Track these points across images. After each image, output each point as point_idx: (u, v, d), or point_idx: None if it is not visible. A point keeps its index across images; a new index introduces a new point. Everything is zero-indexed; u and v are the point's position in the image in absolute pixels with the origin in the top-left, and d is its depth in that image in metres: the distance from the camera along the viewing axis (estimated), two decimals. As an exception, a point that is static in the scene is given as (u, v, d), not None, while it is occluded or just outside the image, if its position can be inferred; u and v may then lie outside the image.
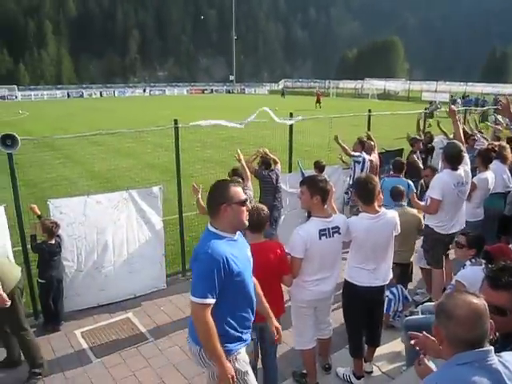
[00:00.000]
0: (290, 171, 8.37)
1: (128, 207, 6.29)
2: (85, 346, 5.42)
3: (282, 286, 4.05)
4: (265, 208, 3.93)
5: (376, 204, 4.11)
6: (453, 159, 5.36)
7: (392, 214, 4.24)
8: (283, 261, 3.87)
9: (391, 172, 7.35)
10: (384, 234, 4.15)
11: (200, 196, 5.35)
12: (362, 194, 4.11)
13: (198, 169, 11.18)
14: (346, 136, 8.78)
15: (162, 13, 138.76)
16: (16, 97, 69.17)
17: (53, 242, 5.62)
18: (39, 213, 5.67)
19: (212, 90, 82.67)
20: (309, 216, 7.20)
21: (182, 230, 7.22)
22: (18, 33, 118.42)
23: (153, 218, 6.52)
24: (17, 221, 5.64)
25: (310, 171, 7.74)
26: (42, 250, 5.56)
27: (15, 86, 74.78)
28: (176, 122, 6.71)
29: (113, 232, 6.22)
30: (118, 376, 4.85)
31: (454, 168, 5.34)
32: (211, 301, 2.79)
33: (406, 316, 5.13)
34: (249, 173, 6.42)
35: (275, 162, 7.38)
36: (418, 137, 9.70)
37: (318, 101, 43.21)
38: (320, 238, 3.88)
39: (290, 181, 7.90)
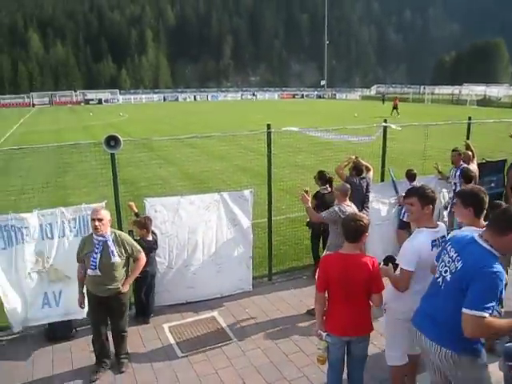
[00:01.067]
0: (381, 180, 8.08)
1: (219, 209, 6.44)
2: (171, 340, 5.63)
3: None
4: (365, 217, 3.83)
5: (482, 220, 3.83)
6: None
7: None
8: (375, 278, 3.73)
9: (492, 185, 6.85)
10: None
11: (310, 204, 5.46)
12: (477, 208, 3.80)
13: (288, 173, 11.19)
14: (442, 144, 8.32)
15: (255, 18, 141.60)
16: (118, 100, 74.32)
17: (150, 238, 5.89)
18: (136, 210, 5.98)
19: (303, 95, 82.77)
20: (402, 226, 6.98)
21: (271, 233, 7.23)
22: (122, 41, 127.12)
23: (242, 221, 6.61)
24: (116, 217, 5.98)
25: (402, 180, 7.45)
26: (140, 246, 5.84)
27: (117, 90, 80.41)
28: (269, 126, 6.75)
29: (203, 232, 6.40)
30: (201, 372, 4.96)
31: None
32: (487, 316, 2.89)
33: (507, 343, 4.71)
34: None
35: (367, 170, 7.16)
36: None
37: (395, 107, 40.30)
38: (432, 249, 3.73)
39: (379, 190, 7.64)
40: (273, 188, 7.12)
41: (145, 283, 5.95)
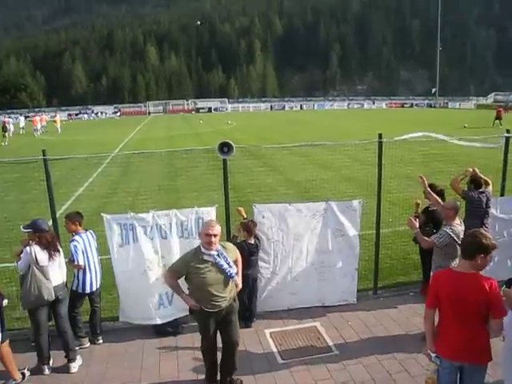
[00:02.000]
0: (501, 194, 7.47)
1: (326, 218, 6.39)
2: (273, 346, 5.66)
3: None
4: (487, 236, 3.54)
5: None
6: None
7: None
8: (493, 301, 3.40)
9: None
10: None
11: (418, 229, 5.25)
12: None
13: (396, 185, 10.79)
14: None
15: (363, 25, 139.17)
16: (226, 108, 77.28)
17: (252, 241, 6.00)
18: (245, 215, 6.14)
19: (412, 104, 79.65)
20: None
21: (378, 246, 7.03)
22: (231, 52, 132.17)
23: (349, 231, 6.49)
24: (225, 220, 6.18)
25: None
26: (241, 248, 5.93)
27: (226, 99, 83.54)
28: (380, 136, 6.58)
29: (308, 240, 6.40)
30: (300, 382, 4.94)
31: None
32: None
33: None
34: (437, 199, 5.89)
35: (486, 184, 6.65)
36: None
37: (499, 117, 35.62)
38: None
39: (501, 205, 7.06)
40: (382, 199, 6.92)
41: (246, 286, 6.00)
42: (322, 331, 5.98)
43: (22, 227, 5.12)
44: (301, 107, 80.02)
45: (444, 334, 3.64)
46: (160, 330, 5.95)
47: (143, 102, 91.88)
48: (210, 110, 77.89)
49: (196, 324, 4.96)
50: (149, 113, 79.75)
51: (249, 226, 5.94)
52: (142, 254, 5.78)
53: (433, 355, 3.68)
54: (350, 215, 6.46)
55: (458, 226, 5.20)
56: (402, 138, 6.53)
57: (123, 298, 5.94)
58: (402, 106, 78.10)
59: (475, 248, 3.46)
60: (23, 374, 5.12)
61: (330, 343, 5.69)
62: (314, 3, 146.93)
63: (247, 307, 6.17)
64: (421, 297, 5.44)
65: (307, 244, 6.41)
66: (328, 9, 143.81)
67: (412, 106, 77.95)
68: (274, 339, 5.82)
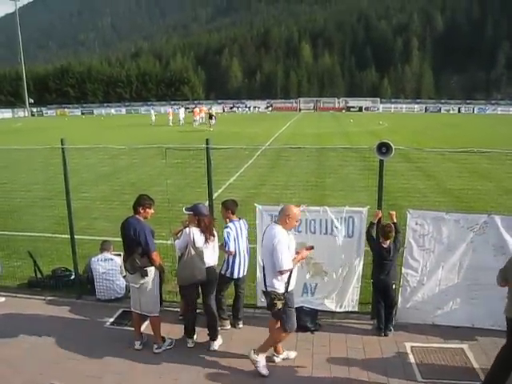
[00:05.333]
0: None
1: (487, 232, 5.84)
2: (412, 360, 5.35)
3: None
4: None
5: None
6: None
7: None
8: None
9: None
10: None
11: None
12: None
13: None
14: None
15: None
16: (378, 108, 75.44)
17: (385, 245, 5.79)
18: (395, 220, 5.89)
19: None
20: None
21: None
22: (386, 50, 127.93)
23: (513, 250, 5.84)
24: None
25: None
26: (373, 250, 5.88)
27: (378, 99, 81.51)
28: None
29: (463, 253, 5.93)
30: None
31: None
32: None
33: None
34: None
35: None
36: None
37: None
38: None
39: None
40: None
41: (379, 290, 6.00)
42: (470, 355, 5.46)
43: (184, 209, 5.55)
44: (459, 110, 74.56)
45: None
46: (298, 325, 6.01)
47: (294, 98, 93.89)
48: (360, 109, 76.62)
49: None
50: (299, 109, 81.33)
51: (385, 230, 5.75)
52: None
53: None
54: (517, 232, 5.80)
55: None
56: None
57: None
58: None
59: None
60: (170, 340, 5.66)
61: (478, 370, 5.17)
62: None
63: (384, 314, 5.97)
64: None
65: (461, 257, 5.94)
66: (499, 2, 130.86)
67: None
68: (414, 354, 5.48)
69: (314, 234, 6.08)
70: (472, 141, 25.69)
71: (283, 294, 4.89)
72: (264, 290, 5.02)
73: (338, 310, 6.32)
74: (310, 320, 6.05)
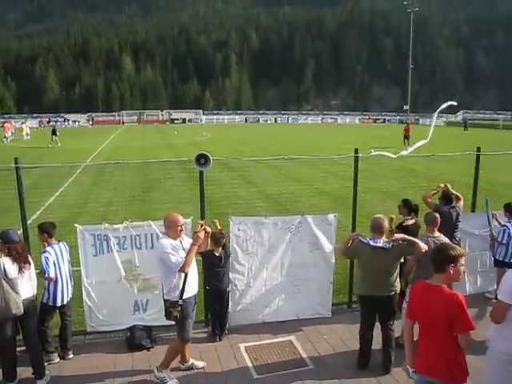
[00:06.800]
0: (472, 211, 7.63)
1: (302, 231, 6.40)
2: (247, 360, 5.59)
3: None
4: (457, 248, 3.60)
5: None
6: None
7: None
8: (457, 315, 3.37)
9: None
10: None
11: None
12: None
13: (369, 199, 10.96)
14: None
15: (337, 42, 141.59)
16: (201, 120, 77.21)
17: (217, 254, 5.91)
18: (220, 227, 6.07)
19: (384, 119, 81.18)
20: (497, 264, 6.47)
21: (352, 260, 7.04)
22: (207, 64, 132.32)
23: (325, 245, 6.51)
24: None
25: (498, 212, 6.95)
26: (205, 258, 5.92)
27: (201, 111, 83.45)
28: (356, 151, 6.66)
29: (283, 253, 6.40)
30: (275, 397, 4.86)
31: None
32: None
33: None
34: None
35: (458, 199, 6.79)
36: None
37: (407, 137, 32.55)
38: None
39: (471, 220, 7.21)
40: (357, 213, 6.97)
41: (214, 297, 6.07)
42: (298, 345, 5.93)
43: None
44: (275, 120, 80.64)
45: (419, 348, 3.63)
46: (133, 345, 5.82)
47: (117, 111, 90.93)
48: (184, 121, 77.64)
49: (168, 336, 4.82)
50: (122, 122, 78.93)
51: (216, 237, 5.83)
52: (116, 264, 5.87)
53: (410, 370, 3.66)
54: (326, 229, 6.49)
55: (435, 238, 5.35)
56: (376, 153, 6.64)
57: (97, 307, 5.94)
58: (375, 122, 79.47)
59: (444, 260, 3.49)
60: None
61: (306, 357, 5.65)
62: (290, 19, 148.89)
63: (219, 320, 6.11)
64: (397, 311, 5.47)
65: (282, 257, 6.40)
66: (304, 25, 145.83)
67: (384, 121, 79.48)
68: (249, 353, 5.74)
69: (140, 250, 5.97)
70: (288, 148, 27.99)
71: (177, 301, 4.82)
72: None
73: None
74: (145, 337, 5.89)
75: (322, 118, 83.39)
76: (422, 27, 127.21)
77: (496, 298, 3.65)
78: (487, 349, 3.79)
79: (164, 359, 5.14)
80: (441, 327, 3.44)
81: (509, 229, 6.49)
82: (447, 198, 6.73)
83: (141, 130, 57.48)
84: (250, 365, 5.49)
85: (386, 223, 5.23)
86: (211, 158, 5.91)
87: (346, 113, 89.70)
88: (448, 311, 3.38)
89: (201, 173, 6.06)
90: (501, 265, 6.51)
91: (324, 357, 5.68)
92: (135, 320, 6.09)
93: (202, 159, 5.88)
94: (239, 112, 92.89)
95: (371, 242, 5.06)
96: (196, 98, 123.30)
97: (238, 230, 6.16)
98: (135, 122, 79.93)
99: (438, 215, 5.63)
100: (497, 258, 6.70)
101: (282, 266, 6.43)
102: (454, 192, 6.81)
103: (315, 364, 5.51)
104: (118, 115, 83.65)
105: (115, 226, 5.86)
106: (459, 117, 78.04)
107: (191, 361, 5.42)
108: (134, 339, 5.82)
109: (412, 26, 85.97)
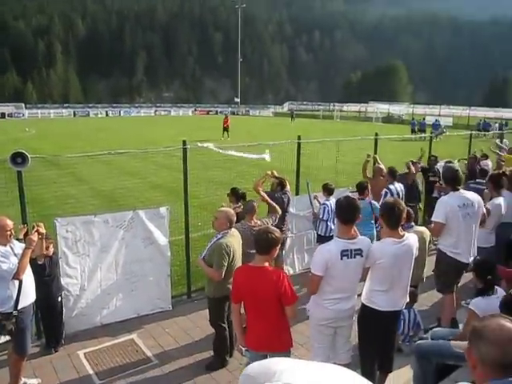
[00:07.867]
0: (297, 194, 8.31)
1: (134, 227, 6.27)
2: (88, 367, 5.33)
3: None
4: (276, 231, 3.89)
5: (400, 229, 4.08)
6: (451, 180, 5.42)
7: (414, 238, 4.21)
8: (283, 290, 3.70)
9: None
10: (408, 258, 4.12)
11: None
12: (390, 219, 4.05)
13: (203, 190, 11.19)
14: (353, 159, 8.78)
15: (168, 34, 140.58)
16: (23, 115, 69.92)
17: (40, 262, 5.38)
18: (44, 231, 5.51)
19: (217, 111, 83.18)
20: (320, 239, 7.17)
21: (188, 251, 7.16)
22: (27, 53, 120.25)
23: (159, 239, 6.48)
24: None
25: (318, 193, 7.69)
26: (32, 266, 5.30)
27: (22, 104, 75.82)
28: (185, 143, 6.72)
29: (117, 251, 6.21)
30: (121, 399, 4.75)
31: (455, 189, 5.35)
32: None
33: (415, 341, 5.00)
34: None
35: (284, 184, 7.32)
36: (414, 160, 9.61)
37: (226, 129, 32.58)
38: (341, 259, 3.86)
39: (297, 203, 7.86)
40: (189, 205, 7.06)
41: (44, 306, 5.53)
42: (140, 343, 5.85)
43: None
44: (107, 114, 77.05)
45: (249, 327, 3.89)
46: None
47: None
48: (3, 115, 69.64)
49: None
50: None
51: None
52: None
53: (243, 349, 3.89)
54: (159, 222, 6.47)
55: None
56: (205, 145, 6.79)
57: None
58: (208, 113, 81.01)
59: (270, 243, 3.77)
60: None
61: (149, 354, 5.60)
62: (120, 8, 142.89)
63: (53, 330, 5.70)
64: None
65: (116, 255, 6.21)
66: (134, 16, 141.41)
67: (217, 113, 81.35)
68: (88, 360, 5.47)
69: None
70: (119, 142, 27.01)
71: (11, 313, 4.33)
72: None
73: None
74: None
75: (156, 111, 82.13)
76: (250, 23, 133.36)
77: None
78: (309, 317, 4.22)
79: (10, 378, 4.72)
80: (272, 304, 3.72)
81: (328, 206, 7.23)
82: (282, 184, 7.19)
83: None
84: (91, 372, 5.24)
85: None
86: (29, 156, 5.40)
87: (179, 105, 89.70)
88: (275, 287, 3.67)
89: (19, 173, 5.50)
90: (322, 240, 7.21)
91: (167, 350, 5.70)
92: None
93: (19, 158, 5.32)
94: (67, 105, 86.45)
95: None
96: (16, 90, 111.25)
97: (66, 231, 5.76)
98: None
99: (255, 204, 5.98)
100: (319, 233, 7.44)
101: (116, 265, 6.24)
102: (281, 177, 7.30)
103: (159, 359, 5.49)
104: None
105: None
106: (285, 108, 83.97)
107: (23, 380, 4.93)
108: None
109: (240, 22, 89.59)
